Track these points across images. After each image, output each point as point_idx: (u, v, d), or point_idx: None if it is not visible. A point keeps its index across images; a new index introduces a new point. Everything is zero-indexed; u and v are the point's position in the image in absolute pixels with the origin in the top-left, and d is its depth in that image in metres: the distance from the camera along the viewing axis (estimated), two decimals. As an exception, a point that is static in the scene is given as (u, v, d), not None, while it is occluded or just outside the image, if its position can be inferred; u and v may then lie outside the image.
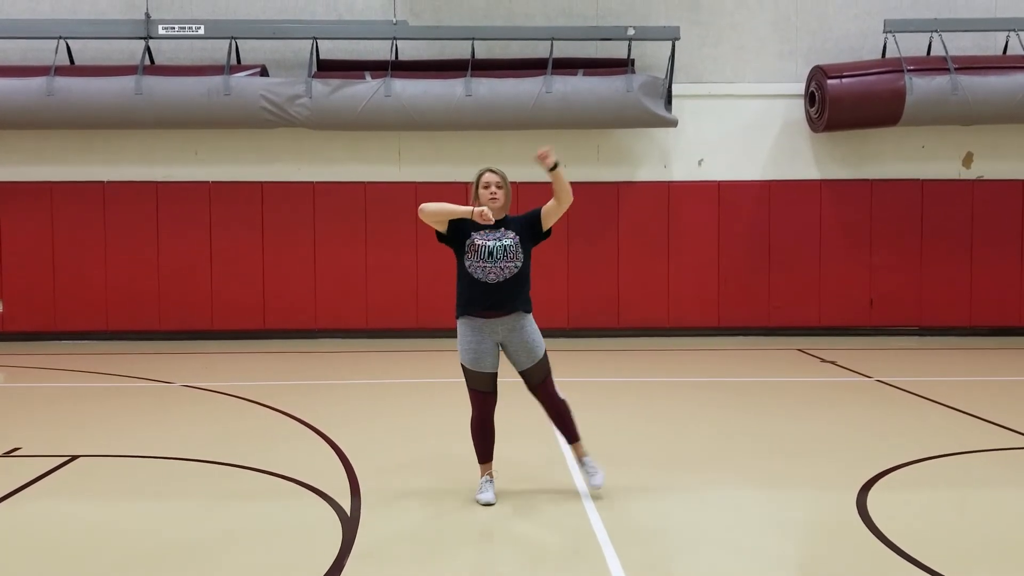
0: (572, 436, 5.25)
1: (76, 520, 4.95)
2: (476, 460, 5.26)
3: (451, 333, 12.76)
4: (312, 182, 12.68)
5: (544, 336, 5.23)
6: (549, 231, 5.21)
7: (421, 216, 5.04)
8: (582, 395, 8.59)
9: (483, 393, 5.11)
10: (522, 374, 5.18)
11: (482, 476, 5.22)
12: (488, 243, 5.00)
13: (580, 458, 5.26)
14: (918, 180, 12.83)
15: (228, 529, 4.79)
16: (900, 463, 5.94)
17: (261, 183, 12.66)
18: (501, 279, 4.98)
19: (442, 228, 5.09)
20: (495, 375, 5.12)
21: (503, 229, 5.08)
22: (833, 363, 10.43)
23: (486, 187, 5.08)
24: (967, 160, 12.91)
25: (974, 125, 12.37)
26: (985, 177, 12.85)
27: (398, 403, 8.20)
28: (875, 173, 12.86)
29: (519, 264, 5.03)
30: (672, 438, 6.80)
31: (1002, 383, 9.45)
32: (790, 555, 4.54)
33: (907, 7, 12.75)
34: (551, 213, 5.11)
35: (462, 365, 5.11)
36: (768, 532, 4.76)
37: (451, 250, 5.16)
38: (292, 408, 7.77)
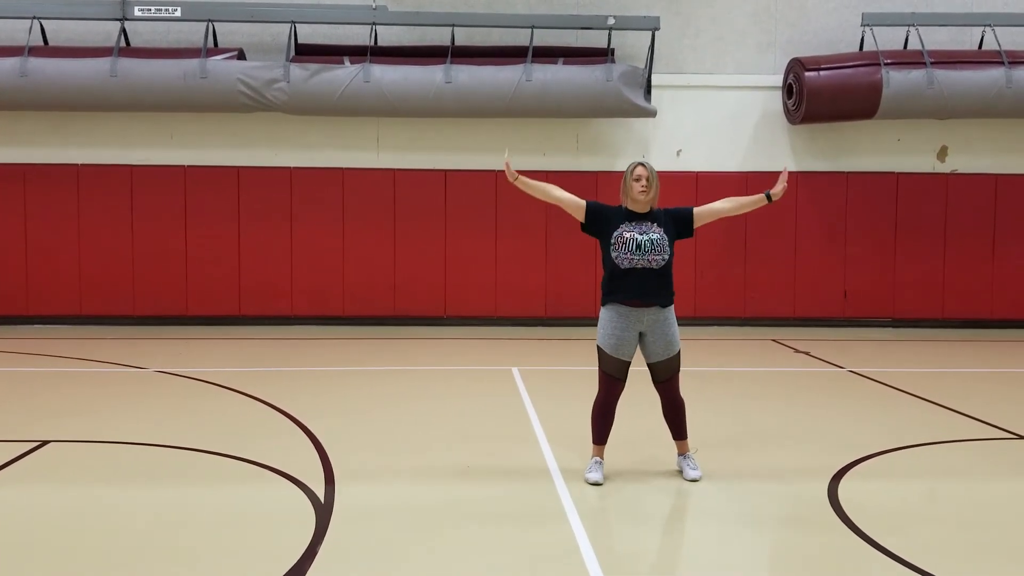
0: (682, 434, 5.44)
1: (47, 506, 4.91)
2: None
3: (427, 320, 12.80)
4: (289, 167, 12.59)
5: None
6: (693, 231, 5.36)
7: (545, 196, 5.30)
8: (559, 384, 8.62)
9: (614, 379, 5.24)
10: (652, 367, 5.29)
11: (593, 457, 5.35)
12: (636, 236, 5.12)
13: (683, 454, 5.46)
14: (893, 173, 12.93)
15: (201, 515, 4.78)
16: (871, 453, 6.02)
17: (237, 168, 12.55)
18: (647, 271, 5.10)
19: (579, 216, 5.26)
20: (629, 364, 5.25)
21: (650, 222, 5.20)
22: (807, 354, 10.52)
23: (637, 180, 5.19)
24: (942, 154, 13.03)
25: (949, 119, 12.48)
26: (959, 171, 12.98)
27: (374, 390, 8.18)
28: (851, 166, 12.95)
29: (666, 257, 5.15)
30: (645, 426, 6.82)
31: (973, 375, 9.58)
32: (760, 543, 4.59)
33: (885, 0, 12.82)
34: (704, 216, 5.29)
35: (599, 347, 5.22)
36: (739, 520, 4.80)
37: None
38: (266, 395, 7.73)
